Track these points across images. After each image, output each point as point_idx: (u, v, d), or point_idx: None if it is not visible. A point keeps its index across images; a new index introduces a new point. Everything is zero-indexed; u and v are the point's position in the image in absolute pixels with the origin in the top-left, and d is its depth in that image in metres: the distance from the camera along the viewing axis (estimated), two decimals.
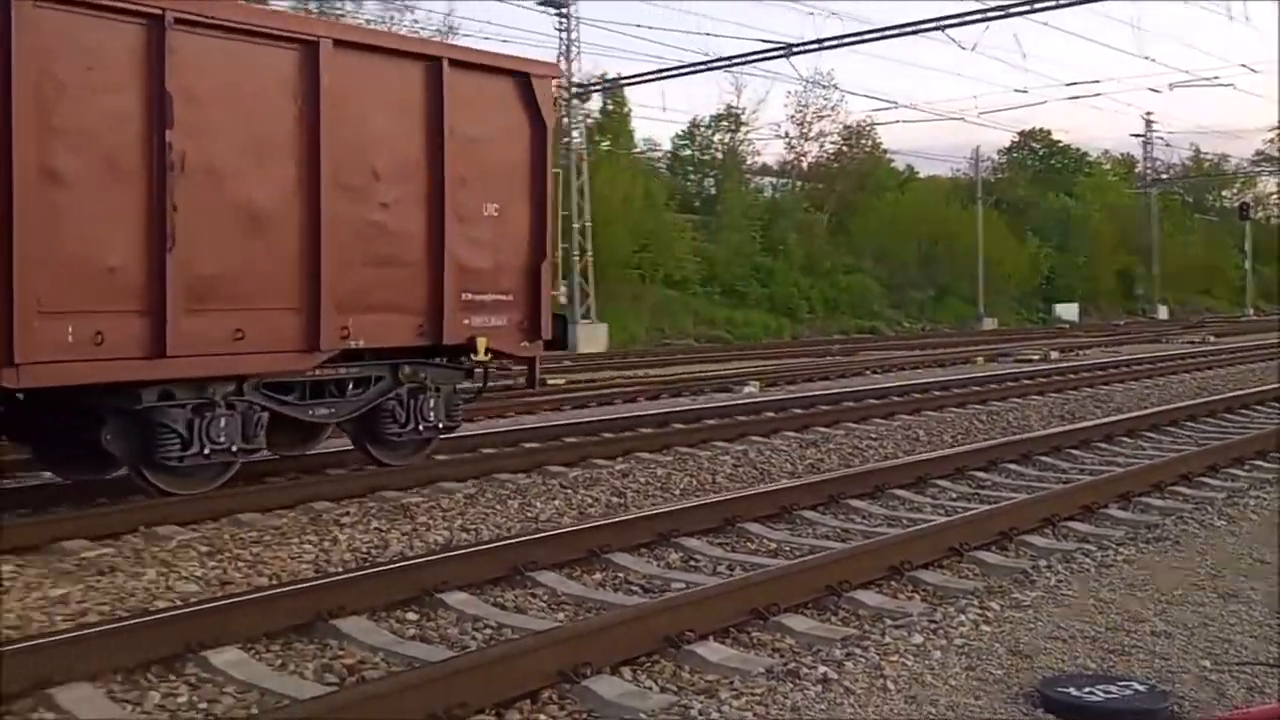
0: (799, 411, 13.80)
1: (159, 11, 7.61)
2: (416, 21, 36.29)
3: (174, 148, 7.67)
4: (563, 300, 26.49)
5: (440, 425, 9.71)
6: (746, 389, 17.74)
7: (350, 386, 9.16)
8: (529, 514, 8.19)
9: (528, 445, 11.11)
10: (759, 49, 28.75)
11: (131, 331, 7.56)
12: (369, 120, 8.81)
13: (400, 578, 5.92)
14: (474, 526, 7.77)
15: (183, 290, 7.74)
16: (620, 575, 6.52)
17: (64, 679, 4.58)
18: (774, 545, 7.36)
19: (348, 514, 8.08)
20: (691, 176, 47.98)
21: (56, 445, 8.68)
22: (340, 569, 6.64)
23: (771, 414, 13.74)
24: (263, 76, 8.24)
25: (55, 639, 4.95)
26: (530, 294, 9.87)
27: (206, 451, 8.13)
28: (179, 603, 5.88)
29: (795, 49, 27.73)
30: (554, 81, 10.53)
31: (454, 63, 9.39)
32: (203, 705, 4.58)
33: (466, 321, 9.43)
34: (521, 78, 9.79)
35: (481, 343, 9.53)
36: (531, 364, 10.49)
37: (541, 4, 32.11)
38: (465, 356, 9.72)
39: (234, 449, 8.30)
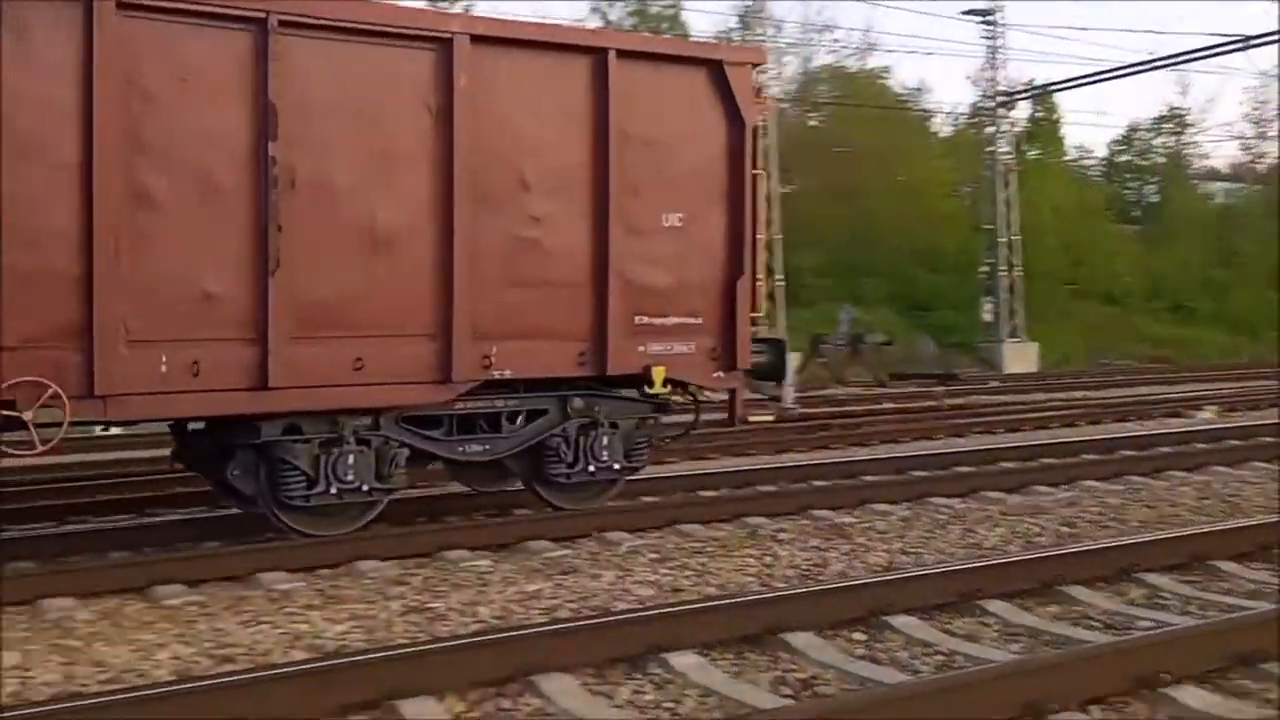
0: (1269, 440, 12.38)
1: (261, 15, 6.97)
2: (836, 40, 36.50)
3: (279, 163, 7.03)
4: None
5: (617, 466, 8.52)
6: (1201, 414, 16.19)
7: (509, 421, 8.22)
8: (970, 540, 7.92)
9: (961, 469, 10.79)
10: (1210, 44, 26.42)
11: (232, 361, 7.00)
12: (516, 125, 7.84)
13: (846, 597, 5.90)
14: (914, 550, 7.62)
15: (289, 316, 7.10)
16: (1077, 609, 6.13)
17: (544, 668, 4.98)
18: (1252, 587, 6.62)
19: (783, 530, 8.21)
20: (1130, 184, 44.66)
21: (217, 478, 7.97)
22: (784, 584, 6.74)
23: (1236, 441, 12.43)
24: (386, 80, 7.45)
25: (535, 631, 5.41)
26: (725, 316, 8.58)
27: (334, 490, 7.45)
28: (638, 605, 6.22)
29: (1254, 41, 25.22)
30: (755, 69, 8.74)
31: (624, 54, 8.19)
32: (668, 705, 4.80)
33: (640, 348, 8.28)
34: (712, 68, 8.45)
35: (658, 373, 8.32)
36: (731, 396, 8.79)
37: (966, 14, 31.33)
38: (643, 387, 8.46)
39: (364, 488, 7.57)
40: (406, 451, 7.75)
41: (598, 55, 8.08)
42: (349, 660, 4.98)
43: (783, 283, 24.30)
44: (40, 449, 6.49)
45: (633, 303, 8.24)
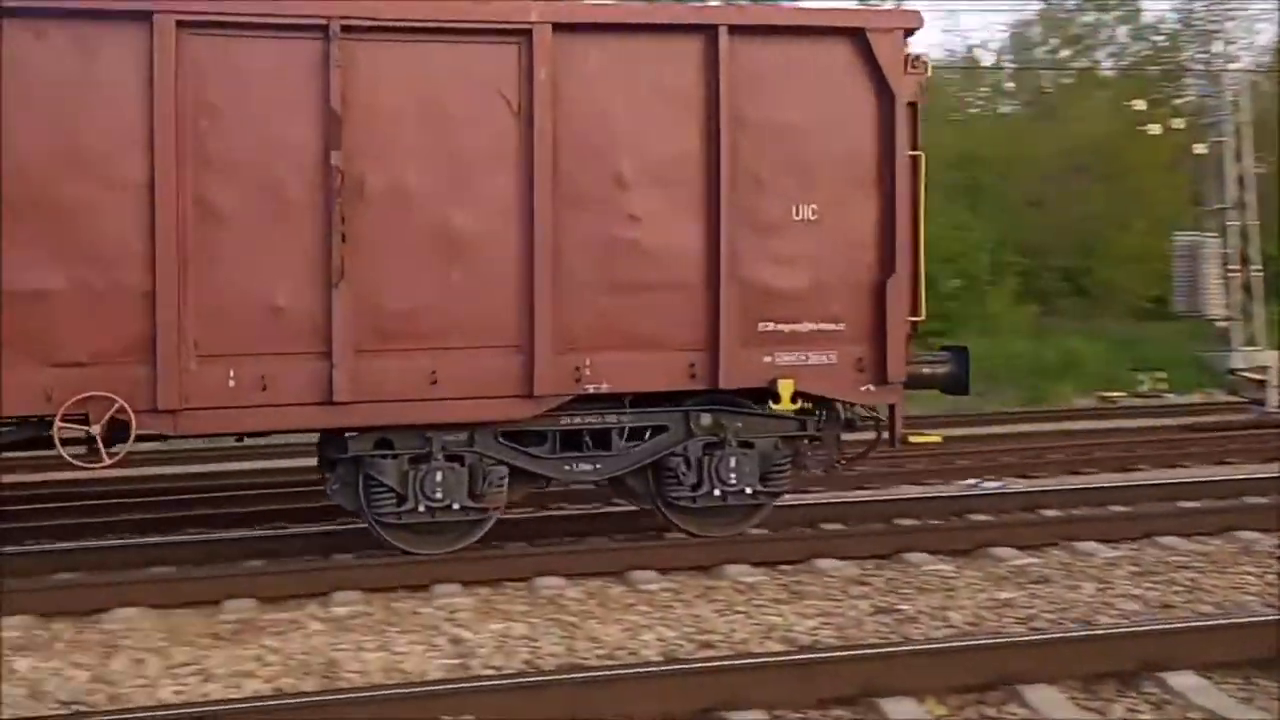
0: None
1: (322, 21, 6.81)
2: None
3: (345, 172, 6.86)
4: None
5: (749, 490, 7.57)
6: None
7: (621, 438, 7.49)
8: None
9: None
10: None
11: (300, 375, 6.86)
12: (610, 117, 7.25)
13: None
14: None
15: (356, 329, 6.89)
16: None
17: (1027, 678, 4.77)
18: None
19: None
20: None
21: None
22: None
23: None
24: (460, 80, 7.09)
25: (1016, 639, 5.21)
26: (875, 321, 7.49)
27: (422, 508, 7.14)
28: (1125, 620, 5.82)
29: None
30: (907, 35, 7.54)
31: (738, 29, 7.34)
32: None
33: (767, 358, 7.38)
34: (853, 38, 7.42)
35: (785, 387, 7.36)
36: (890, 413, 7.68)
37: None
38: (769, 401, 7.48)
39: (456, 506, 7.18)
40: (504, 470, 7.29)
41: (707, 33, 7.30)
42: (827, 654, 5.06)
43: (1260, 272, 21.76)
44: (107, 462, 6.68)
45: (755, 307, 7.41)
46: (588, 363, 7.21)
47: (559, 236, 7.16)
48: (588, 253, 7.25)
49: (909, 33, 7.60)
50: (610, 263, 7.29)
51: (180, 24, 6.67)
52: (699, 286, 7.36)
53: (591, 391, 7.25)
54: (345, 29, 6.84)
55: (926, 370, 7.95)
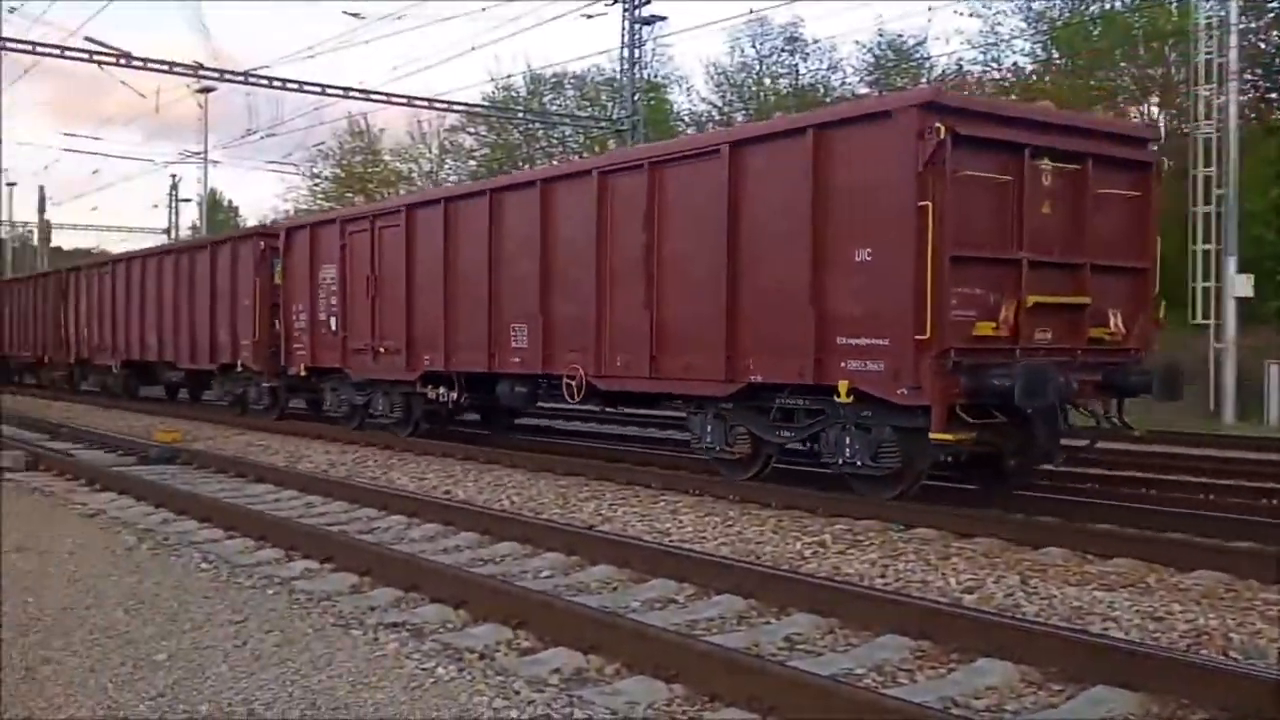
0: None
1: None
2: None
3: (653, 247, 11.46)
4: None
5: (859, 463, 9.65)
6: None
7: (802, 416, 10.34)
8: None
9: None
10: None
11: (641, 360, 11.66)
12: (763, 200, 10.39)
13: None
14: None
15: (659, 337, 11.47)
16: None
17: None
18: None
19: None
20: None
21: None
22: None
23: None
24: (697, 186, 11.05)
25: None
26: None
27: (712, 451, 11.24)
28: None
29: None
30: (923, 108, 9.04)
31: (820, 125, 9.93)
32: None
33: (842, 364, 9.58)
34: (886, 117, 9.39)
35: (842, 385, 9.43)
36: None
37: None
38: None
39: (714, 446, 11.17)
40: (744, 429, 10.85)
41: (803, 132, 10.00)
42: None
43: None
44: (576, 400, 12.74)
45: (832, 327, 9.65)
46: (750, 363, 10.47)
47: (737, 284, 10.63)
48: (753, 293, 10.49)
49: (925, 106, 9.01)
50: (762, 298, 10.38)
51: (600, 173, 12.38)
52: (806, 311, 9.82)
53: (752, 381, 10.46)
54: (652, 165, 11.68)
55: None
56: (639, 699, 4.85)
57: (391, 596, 6.75)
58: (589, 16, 30.38)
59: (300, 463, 14.03)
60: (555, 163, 40.00)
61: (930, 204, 8.74)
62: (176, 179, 58.54)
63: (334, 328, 16.93)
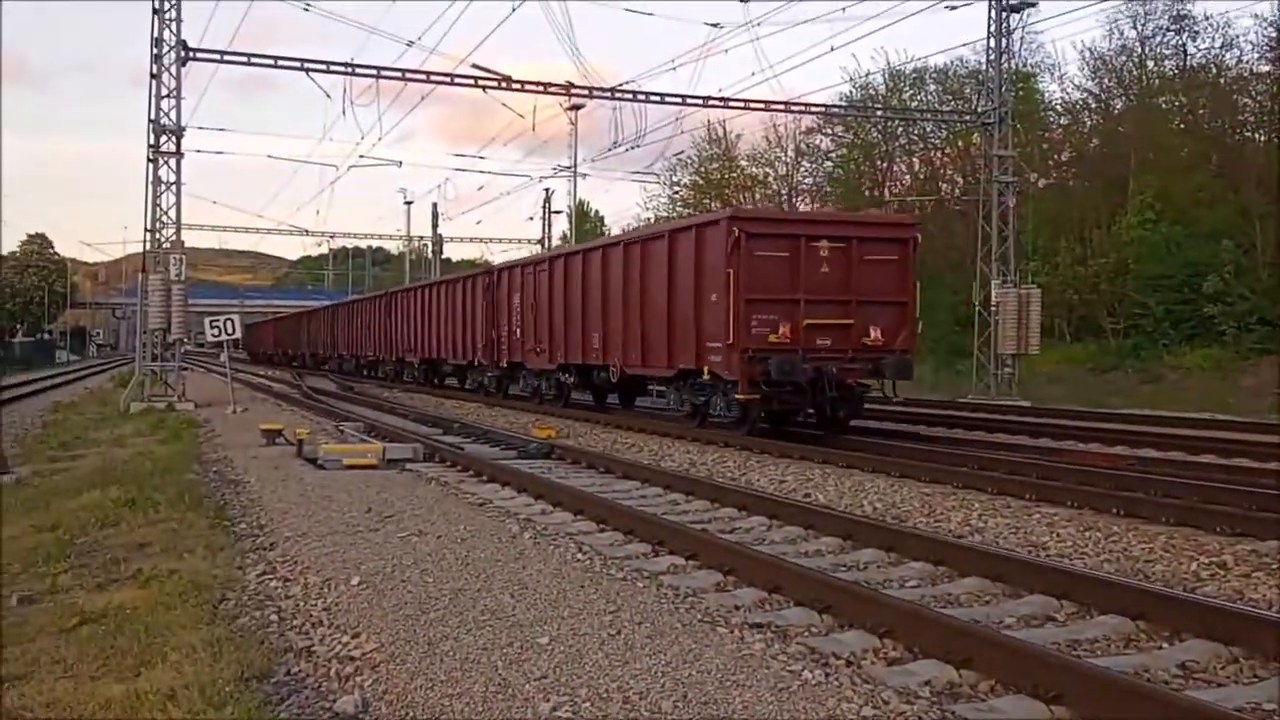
0: None
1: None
2: None
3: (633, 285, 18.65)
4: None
5: (723, 414, 16.66)
6: None
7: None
8: None
9: None
10: None
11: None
12: (682, 267, 17.22)
13: None
14: None
15: (627, 344, 18.95)
16: None
17: None
18: None
19: None
20: None
21: None
22: None
23: None
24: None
25: None
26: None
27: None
28: None
29: None
30: (731, 223, 16.00)
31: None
32: None
33: (708, 358, 16.67)
34: (718, 224, 16.51)
35: (706, 369, 16.45)
36: None
37: None
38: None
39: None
40: (682, 396, 18.12)
41: (718, 223, 16.48)
42: None
43: None
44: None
45: (702, 337, 16.55)
46: (677, 357, 17.31)
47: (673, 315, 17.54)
48: (676, 320, 17.35)
49: (730, 219, 16.03)
50: (679, 322, 17.21)
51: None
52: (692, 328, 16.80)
53: (680, 367, 17.38)
54: (627, 244, 19.16)
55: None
56: (1016, 718, 4.59)
57: (755, 597, 6.79)
58: (952, 8, 29.38)
59: (663, 460, 14.50)
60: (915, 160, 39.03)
61: (733, 271, 15.55)
62: (550, 192, 62.40)
63: (518, 335, 24.82)
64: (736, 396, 15.30)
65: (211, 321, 24.26)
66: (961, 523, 9.55)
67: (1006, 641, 5.39)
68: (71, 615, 6.51)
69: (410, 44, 60.19)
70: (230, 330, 24.08)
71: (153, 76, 25.25)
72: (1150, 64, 39.42)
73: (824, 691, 4.72)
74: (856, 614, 6.08)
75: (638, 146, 36.68)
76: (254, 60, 26.56)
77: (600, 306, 19.68)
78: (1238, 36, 45.75)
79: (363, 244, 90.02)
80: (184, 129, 25.61)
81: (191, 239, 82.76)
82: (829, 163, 50.29)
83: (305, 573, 7.38)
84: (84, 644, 5.92)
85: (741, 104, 30.83)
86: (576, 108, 39.71)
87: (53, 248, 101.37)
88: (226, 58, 26.04)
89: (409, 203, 70.82)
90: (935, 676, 5.12)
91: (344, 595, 6.67)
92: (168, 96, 25.40)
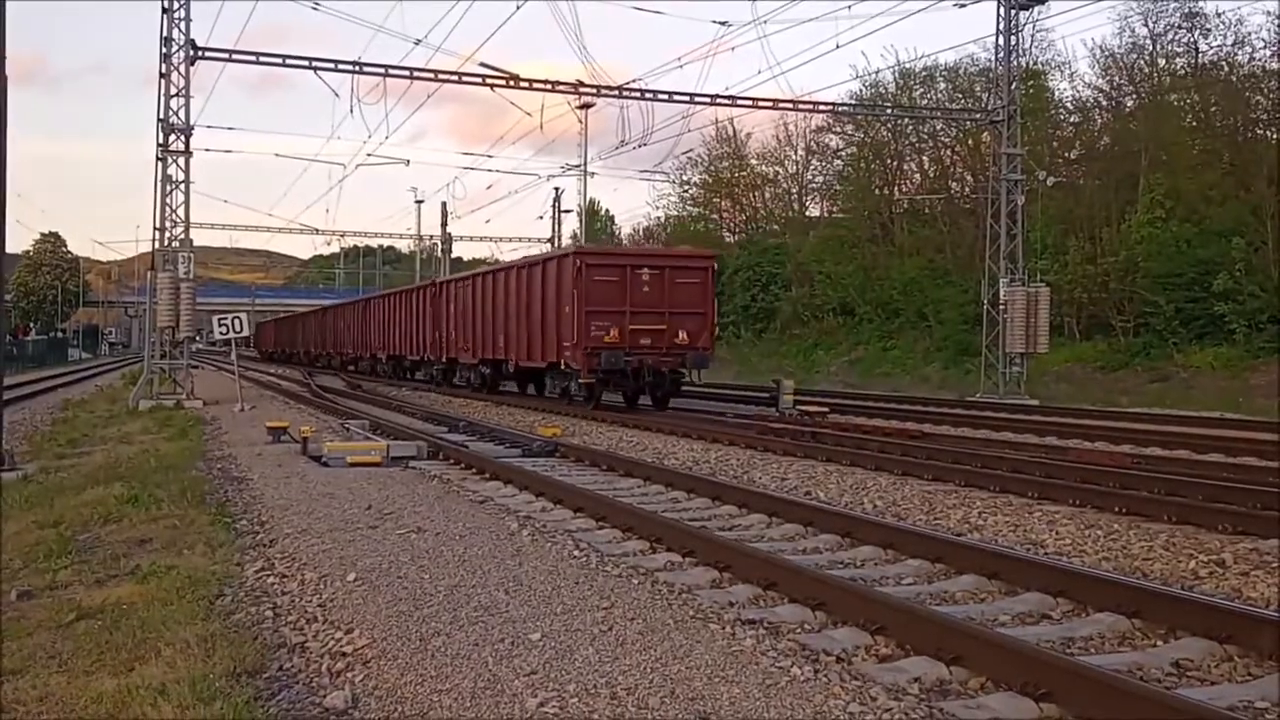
0: None
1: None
2: None
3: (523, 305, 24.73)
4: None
5: (577, 395, 22.76)
6: None
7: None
8: None
9: None
10: None
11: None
12: (540, 293, 23.34)
13: None
14: None
15: (513, 344, 25.34)
16: None
17: None
18: None
19: None
20: None
21: None
22: None
23: None
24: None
25: None
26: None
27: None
28: None
29: None
30: (576, 257, 22.47)
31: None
32: None
33: (563, 353, 22.96)
34: (567, 257, 22.77)
35: (563, 362, 22.80)
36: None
37: None
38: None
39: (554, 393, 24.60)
40: (555, 382, 24.16)
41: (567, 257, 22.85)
42: None
43: None
44: None
45: (561, 338, 22.19)
46: (547, 352, 23.30)
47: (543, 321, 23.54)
48: (544, 325, 23.30)
49: (575, 254, 22.09)
50: (545, 327, 23.16)
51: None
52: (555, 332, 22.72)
53: (549, 360, 23.11)
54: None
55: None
56: (1005, 716, 4.58)
57: (750, 593, 6.79)
58: (961, 5, 29.31)
59: (667, 459, 14.50)
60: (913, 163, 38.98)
61: (577, 290, 21.12)
62: (559, 191, 62.43)
63: (453, 336, 30.37)
64: (581, 381, 21.73)
65: (219, 319, 24.35)
66: (961, 520, 9.54)
67: (997, 639, 5.38)
68: (69, 610, 6.53)
69: (418, 42, 60.12)
70: (238, 328, 24.17)
71: (162, 75, 25.36)
72: (1161, 61, 39.21)
73: (811, 688, 4.72)
74: (849, 611, 6.07)
75: (645, 145, 36.69)
76: (262, 59, 26.66)
77: (503, 315, 25.79)
78: (1250, 34, 45.48)
79: (373, 243, 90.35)
80: (193, 128, 25.72)
81: (203, 238, 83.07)
82: (839, 161, 50.23)
83: (303, 569, 7.40)
84: (80, 639, 5.95)
85: (750, 102, 30.81)
86: (586, 106, 39.64)
87: (66, 246, 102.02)
88: (235, 56, 26.14)
89: (419, 201, 71.07)
90: (925, 674, 5.11)
91: (340, 591, 6.69)
92: (177, 95, 25.50)
